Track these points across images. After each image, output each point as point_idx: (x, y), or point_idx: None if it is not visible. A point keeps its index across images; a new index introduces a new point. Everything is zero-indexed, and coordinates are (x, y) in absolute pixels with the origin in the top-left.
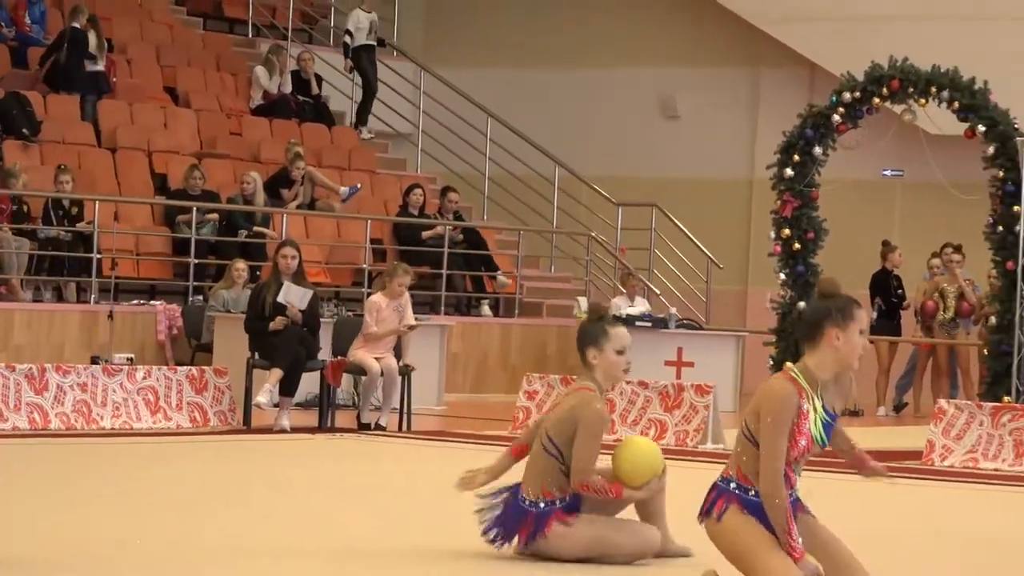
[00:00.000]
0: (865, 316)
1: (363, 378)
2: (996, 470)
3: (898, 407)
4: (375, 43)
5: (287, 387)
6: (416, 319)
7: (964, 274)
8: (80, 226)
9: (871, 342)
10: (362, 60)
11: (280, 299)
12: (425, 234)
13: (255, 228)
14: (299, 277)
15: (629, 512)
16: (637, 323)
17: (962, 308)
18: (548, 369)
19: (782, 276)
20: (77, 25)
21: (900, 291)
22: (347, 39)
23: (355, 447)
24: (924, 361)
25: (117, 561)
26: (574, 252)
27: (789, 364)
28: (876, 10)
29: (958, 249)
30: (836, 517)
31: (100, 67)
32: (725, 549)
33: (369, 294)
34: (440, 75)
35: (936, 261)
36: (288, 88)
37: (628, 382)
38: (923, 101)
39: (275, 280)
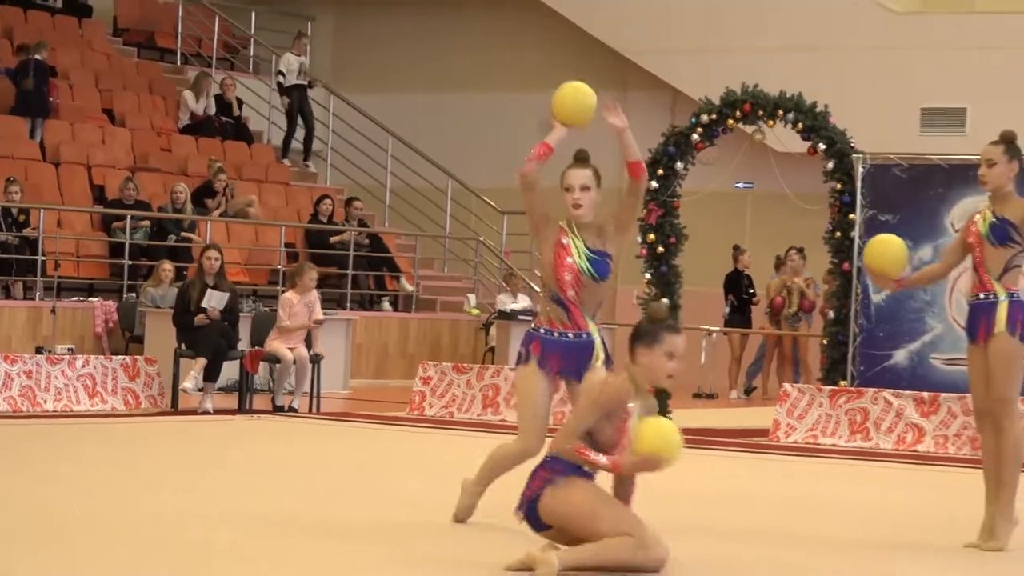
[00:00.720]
0: (679, 341)
1: (278, 366)
2: (834, 445)
3: (748, 391)
4: (306, 83)
5: (210, 374)
6: (324, 314)
7: (805, 274)
8: (27, 232)
9: (724, 333)
10: (293, 99)
11: (204, 304)
12: (333, 239)
13: (183, 233)
14: (220, 277)
15: None
16: (519, 316)
17: (803, 304)
18: (441, 358)
19: (647, 276)
20: (39, 57)
21: (751, 289)
22: (280, 79)
23: (271, 427)
24: (771, 350)
25: (68, 531)
26: (464, 255)
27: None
28: (731, 43)
29: (801, 252)
30: (697, 484)
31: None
32: (563, 522)
33: (283, 292)
34: (347, 99)
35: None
36: (212, 110)
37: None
38: (771, 122)
39: (199, 279)
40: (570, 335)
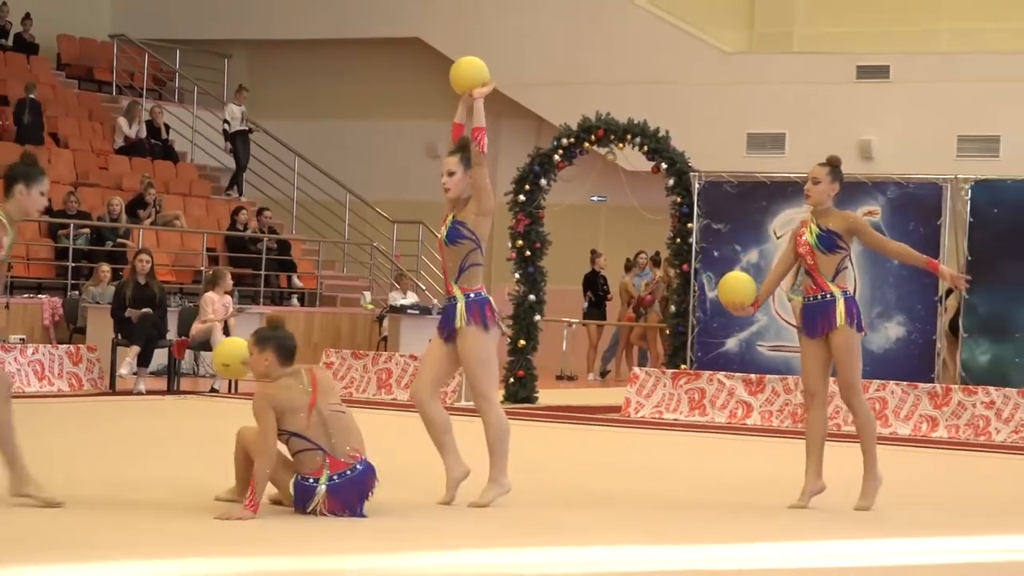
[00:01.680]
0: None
1: (204, 353)
2: (675, 420)
3: (603, 373)
4: (247, 129)
5: (143, 360)
6: (238, 307)
7: (647, 275)
8: None
9: (583, 324)
10: (236, 142)
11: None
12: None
13: (118, 240)
14: (151, 277)
15: None
16: (408, 311)
17: (645, 299)
18: (341, 346)
19: (517, 275)
20: (33, 96)
21: (605, 287)
22: (225, 126)
23: (197, 405)
24: (625, 338)
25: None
26: (361, 258)
27: None
28: (587, 77)
29: (650, 257)
30: (559, 453)
31: None
32: None
33: (204, 292)
34: (259, 124)
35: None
36: (143, 134)
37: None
38: (621, 145)
39: (132, 279)
40: (447, 300)
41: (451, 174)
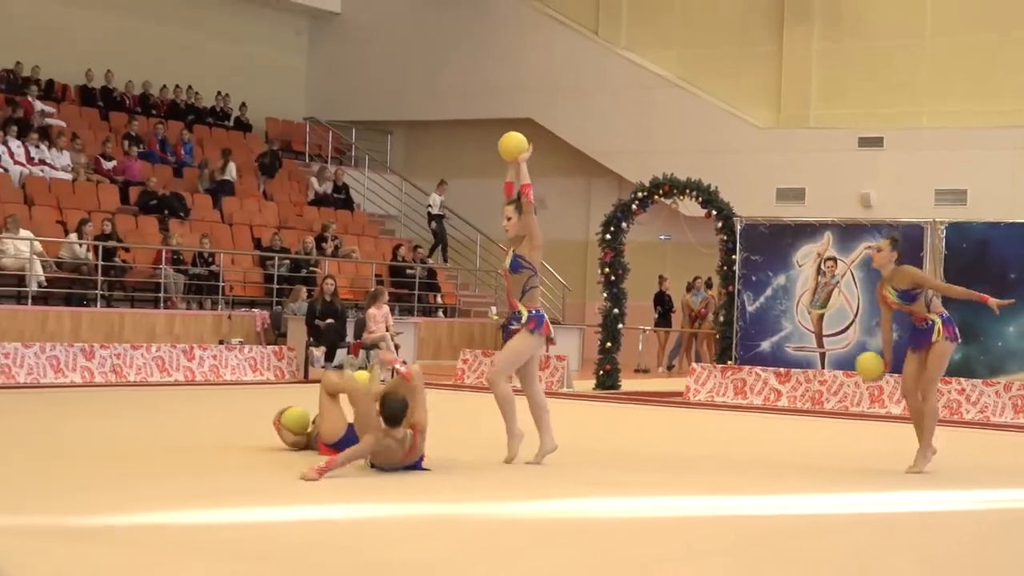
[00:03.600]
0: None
1: (376, 350)
2: (724, 402)
3: (669, 367)
4: (442, 215)
5: (328, 357)
6: (397, 319)
7: (701, 294)
8: (213, 267)
9: (654, 331)
10: (437, 223)
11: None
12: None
13: (310, 268)
14: (334, 296)
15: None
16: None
17: (700, 313)
18: (474, 347)
19: (604, 295)
20: (230, 161)
21: (670, 303)
22: (428, 210)
23: None
24: (685, 341)
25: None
26: (488, 282)
27: None
28: (655, 147)
29: (705, 281)
30: (632, 428)
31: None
32: None
33: (367, 307)
34: (413, 182)
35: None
36: (329, 190)
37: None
38: (682, 197)
39: (321, 297)
40: (511, 313)
41: (508, 219)
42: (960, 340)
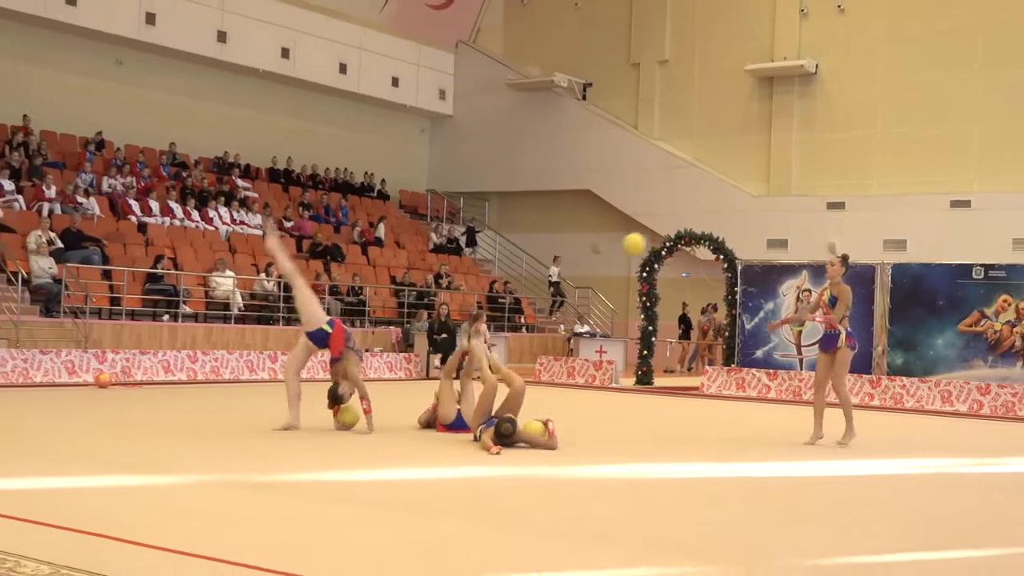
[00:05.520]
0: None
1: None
2: (729, 394)
3: (689, 369)
4: (559, 281)
5: (443, 361)
6: (491, 335)
7: (708, 316)
8: (362, 296)
9: (678, 342)
10: (555, 288)
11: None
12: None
13: (430, 297)
14: (448, 317)
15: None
16: (584, 335)
17: (704, 329)
18: (547, 354)
19: (642, 316)
20: (383, 224)
21: (689, 322)
22: (549, 277)
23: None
24: (703, 350)
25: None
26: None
27: None
28: (677, 210)
29: (714, 306)
30: (664, 413)
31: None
32: None
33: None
34: (506, 236)
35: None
36: (444, 241)
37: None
38: (698, 246)
39: (437, 318)
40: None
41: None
42: (857, 348)
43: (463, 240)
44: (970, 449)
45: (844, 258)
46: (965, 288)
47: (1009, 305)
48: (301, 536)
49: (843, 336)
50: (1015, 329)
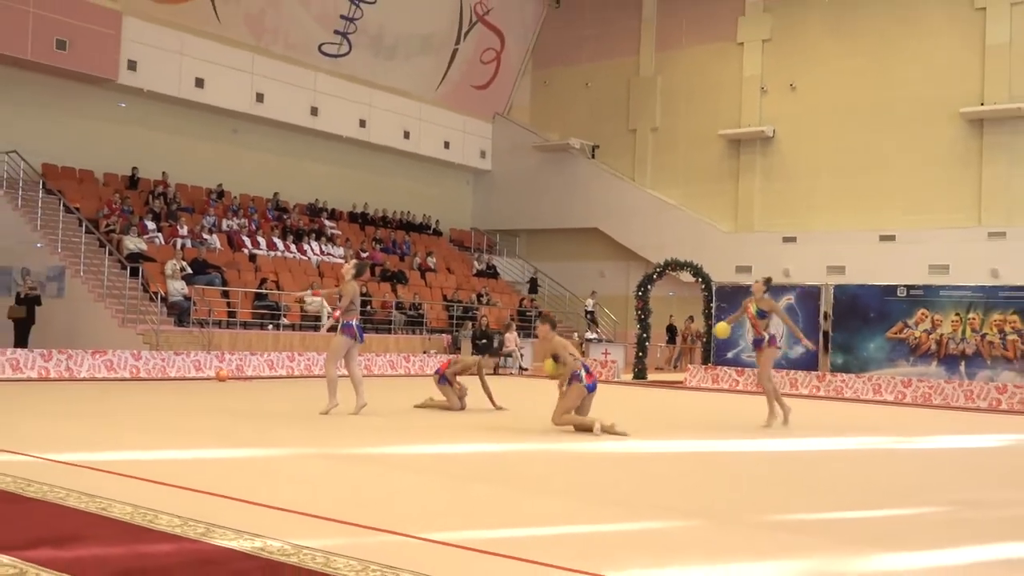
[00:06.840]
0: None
1: (509, 358)
2: (706, 387)
3: (675, 366)
4: (594, 311)
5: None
6: (520, 340)
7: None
8: (420, 311)
9: (666, 345)
10: (591, 316)
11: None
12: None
13: (473, 311)
14: (487, 325)
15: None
16: (593, 341)
17: (684, 335)
18: None
19: (638, 326)
20: (433, 256)
21: (676, 331)
22: (585, 307)
23: (512, 380)
24: (686, 352)
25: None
26: (574, 319)
27: None
28: (663, 242)
29: (690, 317)
30: (655, 401)
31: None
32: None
33: (504, 332)
34: (536, 266)
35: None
36: (484, 268)
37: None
38: (682, 271)
39: (479, 326)
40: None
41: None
42: (780, 348)
43: (526, 289)
44: (895, 430)
45: (767, 280)
46: (891, 304)
47: (926, 317)
48: (379, 498)
49: (767, 338)
50: (930, 336)
